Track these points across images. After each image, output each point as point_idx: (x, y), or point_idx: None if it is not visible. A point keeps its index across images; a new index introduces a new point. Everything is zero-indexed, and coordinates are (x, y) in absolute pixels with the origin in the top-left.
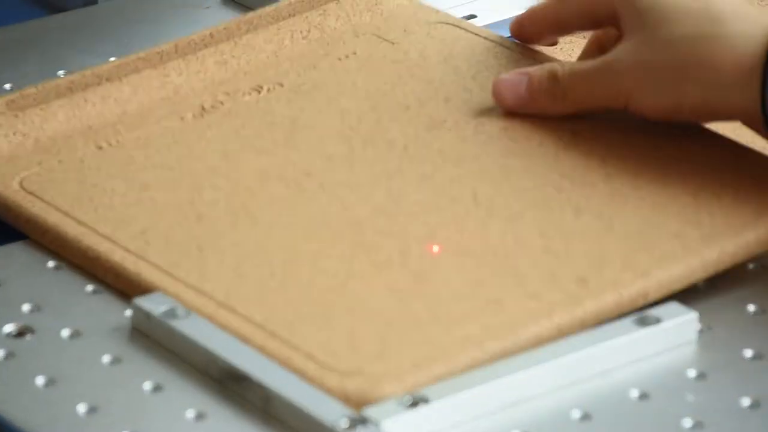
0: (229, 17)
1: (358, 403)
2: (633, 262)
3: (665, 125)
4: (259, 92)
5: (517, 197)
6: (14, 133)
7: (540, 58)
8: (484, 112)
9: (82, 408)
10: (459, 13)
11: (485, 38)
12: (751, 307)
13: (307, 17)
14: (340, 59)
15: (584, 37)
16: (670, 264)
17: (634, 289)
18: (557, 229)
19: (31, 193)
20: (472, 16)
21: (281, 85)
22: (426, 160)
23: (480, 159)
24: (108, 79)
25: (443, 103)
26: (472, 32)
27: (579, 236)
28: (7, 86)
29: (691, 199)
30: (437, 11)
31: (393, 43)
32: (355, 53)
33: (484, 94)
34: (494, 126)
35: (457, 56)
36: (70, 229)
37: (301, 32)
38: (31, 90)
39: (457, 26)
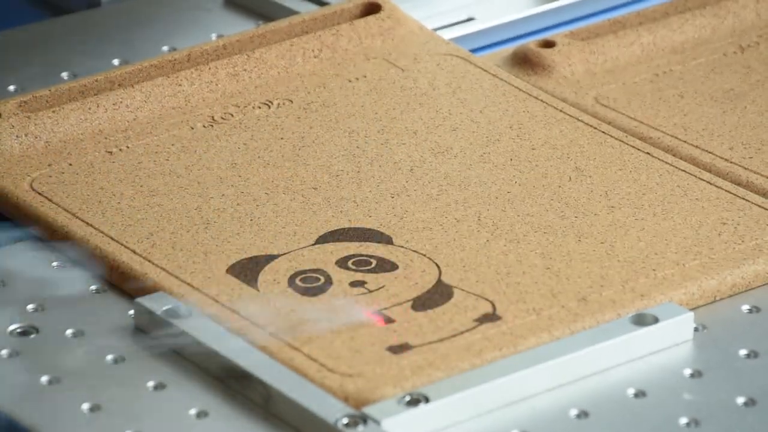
0: (231, 20)
1: (357, 405)
2: (633, 284)
3: (667, 163)
4: (269, 107)
5: (520, 221)
6: (26, 135)
7: (545, 99)
8: (491, 143)
9: (85, 406)
10: (457, 16)
11: (494, 75)
12: (745, 307)
13: (320, 36)
14: (350, 81)
15: (581, 39)
16: (669, 289)
17: (633, 309)
18: (559, 252)
19: (40, 193)
20: (470, 19)
21: (291, 101)
22: (432, 183)
23: (485, 185)
24: (120, 85)
25: (450, 131)
26: (480, 68)
27: (580, 259)
28: (11, 88)
29: (692, 232)
30: (447, 42)
31: (403, 70)
32: (365, 76)
33: (491, 127)
34: (500, 157)
35: (466, 89)
36: (78, 229)
37: (313, 51)
38: (43, 92)
39: (467, 60)
